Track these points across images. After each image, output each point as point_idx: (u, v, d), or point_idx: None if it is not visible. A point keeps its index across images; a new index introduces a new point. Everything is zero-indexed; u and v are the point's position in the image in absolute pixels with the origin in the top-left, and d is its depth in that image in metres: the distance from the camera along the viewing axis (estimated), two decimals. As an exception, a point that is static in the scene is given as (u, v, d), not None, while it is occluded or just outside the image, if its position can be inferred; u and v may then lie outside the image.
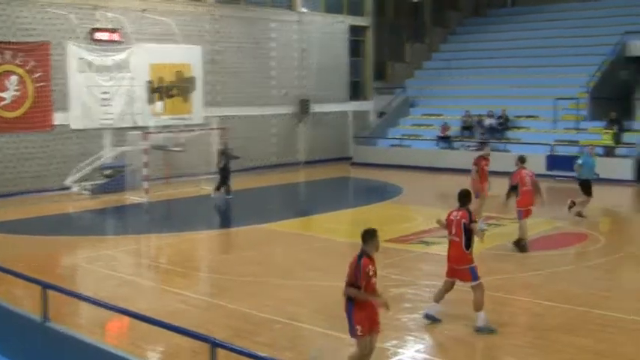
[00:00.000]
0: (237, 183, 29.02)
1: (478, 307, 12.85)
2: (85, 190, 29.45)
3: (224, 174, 28.15)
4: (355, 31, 43.04)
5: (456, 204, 13.30)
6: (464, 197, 13.34)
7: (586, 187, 23.55)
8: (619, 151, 32.37)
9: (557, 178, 31.10)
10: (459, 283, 13.26)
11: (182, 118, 34.13)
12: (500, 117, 37.18)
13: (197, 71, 34.80)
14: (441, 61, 45.85)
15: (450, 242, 13.19)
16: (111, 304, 10.39)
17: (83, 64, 30.70)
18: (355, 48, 43.31)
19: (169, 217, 27.31)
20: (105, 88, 31.45)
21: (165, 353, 12.39)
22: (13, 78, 28.86)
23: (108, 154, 30.91)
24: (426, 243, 20.29)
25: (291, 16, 39.21)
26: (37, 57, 29.32)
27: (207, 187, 29.40)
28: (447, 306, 13.46)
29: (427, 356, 12.36)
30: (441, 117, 40.05)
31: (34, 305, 10.37)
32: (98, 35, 31.01)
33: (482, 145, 33.87)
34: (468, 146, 36.75)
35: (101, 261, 19.37)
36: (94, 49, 30.96)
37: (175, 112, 34.03)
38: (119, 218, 26.76)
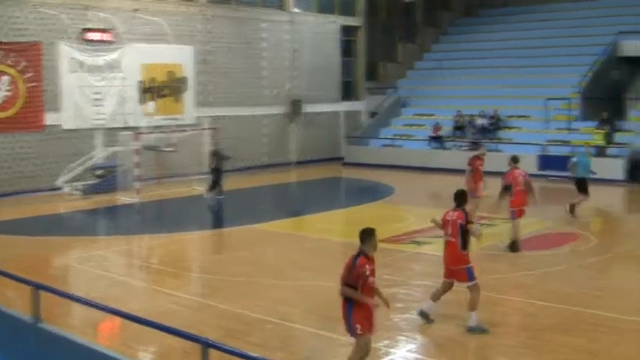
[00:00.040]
0: (228, 183, 28.98)
1: (472, 307, 12.84)
2: (77, 190, 29.38)
3: (216, 174, 28.12)
4: (347, 31, 43.06)
5: (448, 204, 13.29)
6: (460, 197, 13.29)
7: (582, 185, 23.61)
8: (610, 151, 32.43)
9: (549, 178, 31.16)
10: (456, 284, 13.25)
11: (174, 118, 34.09)
12: (492, 117, 37.23)
13: (189, 71, 34.76)
14: (432, 61, 45.87)
15: (446, 243, 13.17)
16: (103, 304, 10.36)
17: (75, 64, 30.64)
18: (347, 48, 43.33)
19: (161, 217, 27.27)
20: (96, 89, 31.41)
21: (157, 354, 12.37)
22: (5, 78, 28.79)
23: (99, 154, 30.84)
24: (418, 243, 20.31)
25: (283, 16, 39.20)
26: (28, 57, 29.25)
27: (199, 188, 29.37)
28: (439, 306, 13.44)
29: (419, 356, 12.35)
30: (433, 117, 40.06)
31: (26, 306, 10.32)
32: (90, 35, 30.97)
33: (473, 145, 34.04)
34: (460, 146, 36.82)
35: (93, 261, 19.33)
36: (86, 49, 30.91)
37: (167, 112, 33.99)
38: (111, 219, 26.70)
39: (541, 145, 33.99)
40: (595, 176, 24.29)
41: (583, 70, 37.07)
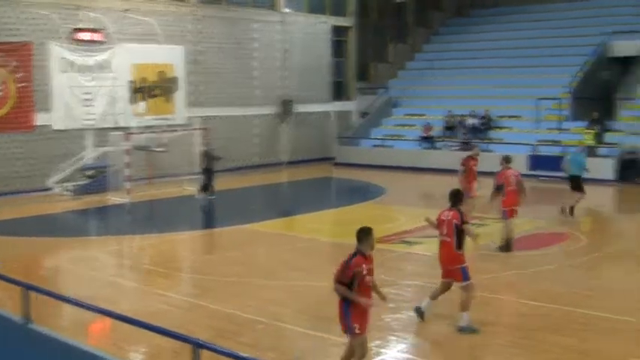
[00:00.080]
0: (219, 183, 28.93)
1: (464, 307, 12.84)
2: (67, 190, 29.31)
3: (208, 175, 28.08)
4: (338, 31, 43.07)
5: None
6: (455, 197, 13.27)
7: (576, 183, 23.65)
8: (601, 150, 32.50)
9: (540, 178, 31.21)
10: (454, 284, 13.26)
11: (164, 118, 34.04)
12: (483, 117, 37.28)
13: (179, 71, 34.73)
14: (424, 62, 45.92)
15: (441, 242, 13.16)
16: (93, 305, 10.31)
17: (65, 65, 30.57)
18: (338, 48, 43.35)
19: (152, 217, 27.22)
20: (87, 89, 31.34)
21: (148, 354, 12.34)
22: (-5, 78, 28.77)
23: (90, 154, 30.78)
24: (409, 243, 20.32)
25: (274, 17, 39.18)
26: (19, 57, 29.16)
27: (190, 188, 29.33)
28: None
29: (410, 356, 12.35)
30: (424, 117, 40.11)
31: (16, 307, 10.28)
32: (80, 35, 30.88)
33: (464, 145, 34.10)
34: (451, 146, 36.86)
35: (83, 262, 19.29)
36: (76, 49, 30.84)
37: (158, 112, 33.94)
38: (101, 219, 26.64)
39: (532, 145, 34.05)
40: (585, 175, 24.32)
41: (573, 71, 37.20)
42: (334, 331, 10.59)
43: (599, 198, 28.44)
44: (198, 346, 7.75)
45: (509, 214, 19.02)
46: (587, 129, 33.38)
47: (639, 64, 37.17)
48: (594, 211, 26.77)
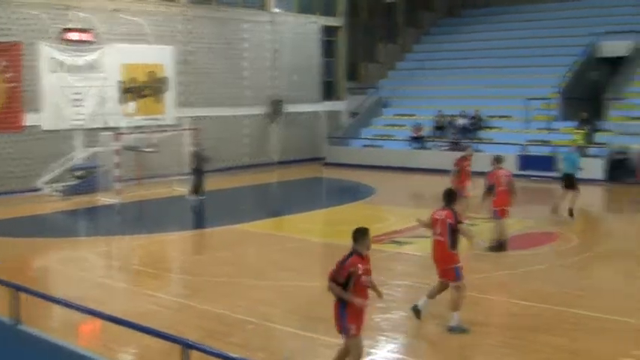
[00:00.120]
0: (209, 183, 28.86)
1: (455, 307, 12.83)
2: (57, 191, 29.20)
3: (198, 175, 28.02)
4: (328, 31, 43.06)
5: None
6: (448, 196, 13.22)
7: (569, 181, 23.68)
8: (590, 150, 32.56)
9: (531, 178, 31.26)
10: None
11: (154, 118, 33.97)
12: (473, 117, 37.32)
13: (169, 71, 34.66)
14: (414, 62, 45.93)
15: (435, 242, 13.11)
16: (83, 306, 10.28)
17: (55, 65, 30.46)
18: (328, 48, 43.33)
19: (141, 218, 27.15)
20: (76, 89, 31.23)
21: (137, 355, 12.31)
22: (-16, 78, 28.67)
23: (79, 155, 30.65)
24: (399, 243, 20.30)
25: (264, 17, 39.15)
26: (8, 57, 29.04)
27: (180, 188, 29.27)
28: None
29: (400, 356, 12.35)
30: (414, 117, 40.13)
31: (5, 308, 10.24)
32: (70, 35, 30.77)
33: (454, 145, 34.14)
34: (441, 146, 36.89)
35: (73, 263, 19.23)
36: (66, 49, 30.73)
37: (147, 112, 33.85)
38: (91, 220, 26.54)
39: (521, 145, 34.11)
40: (580, 173, 24.35)
41: (563, 71, 37.32)
42: (324, 331, 10.58)
43: (588, 198, 28.47)
44: (187, 346, 7.73)
45: (500, 213, 19.04)
46: (577, 129, 33.47)
47: (628, 64, 37.29)
48: (584, 210, 26.79)
